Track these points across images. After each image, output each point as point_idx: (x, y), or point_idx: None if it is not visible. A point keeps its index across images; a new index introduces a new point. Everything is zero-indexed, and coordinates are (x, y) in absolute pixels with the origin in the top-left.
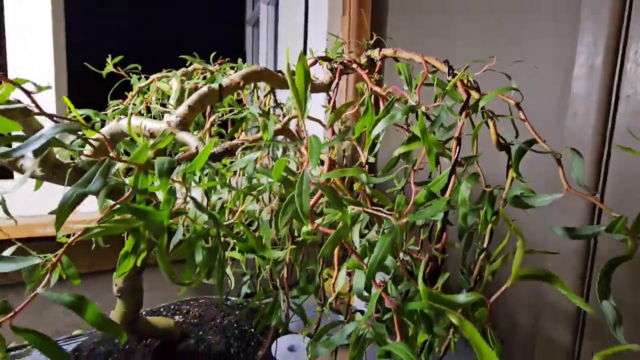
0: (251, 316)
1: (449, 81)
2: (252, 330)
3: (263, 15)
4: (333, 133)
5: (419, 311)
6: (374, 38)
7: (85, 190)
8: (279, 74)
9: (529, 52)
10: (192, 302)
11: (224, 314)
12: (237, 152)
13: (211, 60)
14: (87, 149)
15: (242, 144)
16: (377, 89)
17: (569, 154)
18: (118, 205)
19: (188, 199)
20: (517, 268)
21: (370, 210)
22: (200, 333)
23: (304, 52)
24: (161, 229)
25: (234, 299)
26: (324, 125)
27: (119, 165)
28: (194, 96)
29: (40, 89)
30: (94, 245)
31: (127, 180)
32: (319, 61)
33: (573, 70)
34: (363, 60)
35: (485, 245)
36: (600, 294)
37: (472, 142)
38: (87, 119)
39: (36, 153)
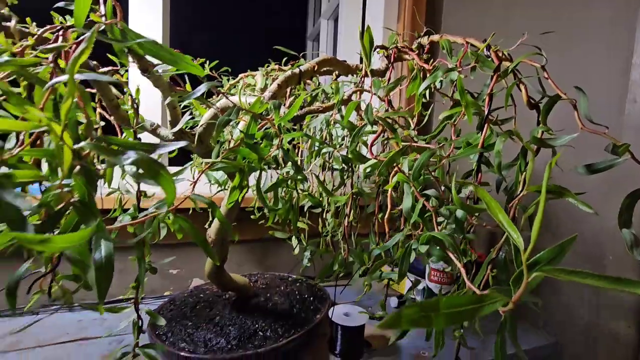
0: (310, 289)
1: (487, 56)
2: (311, 299)
3: (323, 29)
4: (389, 104)
5: (454, 215)
6: (424, 30)
7: (228, 118)
8: (344, 62)
9: (587, 40)
10: (259, 275)
11: (286, 284)
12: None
13: (283, 64)
14: (204, 119)
15: (319, 109)
16: (424, 64)
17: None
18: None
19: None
20: (530, 178)
21: (417, 144)
22: (268, 295)
23: (360, 61)
24: (259, 170)
25: (294, 276)
26: (381, 99)
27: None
28: (281, 77)
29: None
30: (190, 211)
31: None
32: (377, 50)
33: (632, 58)
34: (414, 46)
35: (519, 192)
36: (622, 223)
37: (506, 98)
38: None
39: (170, 117)
